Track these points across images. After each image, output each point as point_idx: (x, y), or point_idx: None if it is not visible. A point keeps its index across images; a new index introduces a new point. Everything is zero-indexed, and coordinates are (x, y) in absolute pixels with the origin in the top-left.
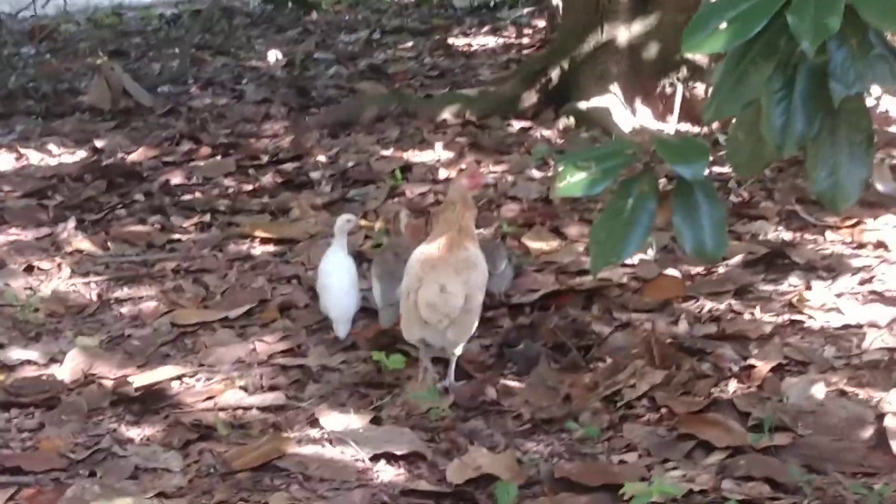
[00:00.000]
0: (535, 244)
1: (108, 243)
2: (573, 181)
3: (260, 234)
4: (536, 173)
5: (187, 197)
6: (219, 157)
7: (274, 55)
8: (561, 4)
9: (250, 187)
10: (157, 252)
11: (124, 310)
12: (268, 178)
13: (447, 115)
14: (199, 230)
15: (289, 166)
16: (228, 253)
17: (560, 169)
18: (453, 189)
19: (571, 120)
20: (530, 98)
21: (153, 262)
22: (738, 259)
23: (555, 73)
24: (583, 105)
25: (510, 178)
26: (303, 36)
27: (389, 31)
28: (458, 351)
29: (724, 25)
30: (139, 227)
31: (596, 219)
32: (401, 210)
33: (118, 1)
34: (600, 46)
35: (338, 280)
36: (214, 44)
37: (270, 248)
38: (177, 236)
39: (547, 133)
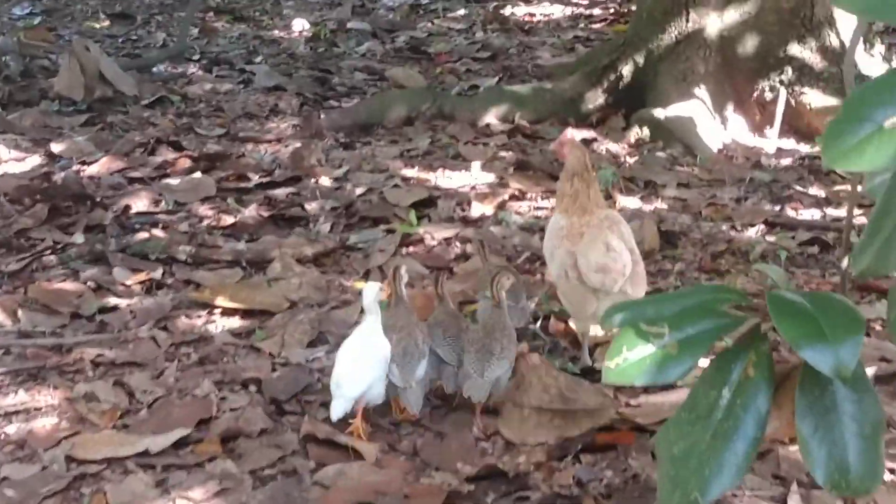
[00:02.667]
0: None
1: (20, 310)
2: (632, 360)
3: (223, 302)
4: None
5: (142, 235)
6: (198, 174)
7: (300, 24)
8: None
9: (228, 220)
10: (80, 328)
11: (11, 429)
12: (252, 210)
13: (492, 118)
14: (145, 292)
15: (282, 191)
16: (176, 331)
17: (614, 338)
18: (571, 161)
19: (645, 131)
20: (595, 99)
21: (69, 348)
22: None
23: (626, 70)
24: (660, 113)
25: None
26: None
27: None
28: None
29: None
30: (68, 285)
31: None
32: (401, 266)
33: None
34: (684, 38)
35: (353, 350)
36: (237, 5)
37: (235, 322)
38: (114, 301)
39: (614, 147)
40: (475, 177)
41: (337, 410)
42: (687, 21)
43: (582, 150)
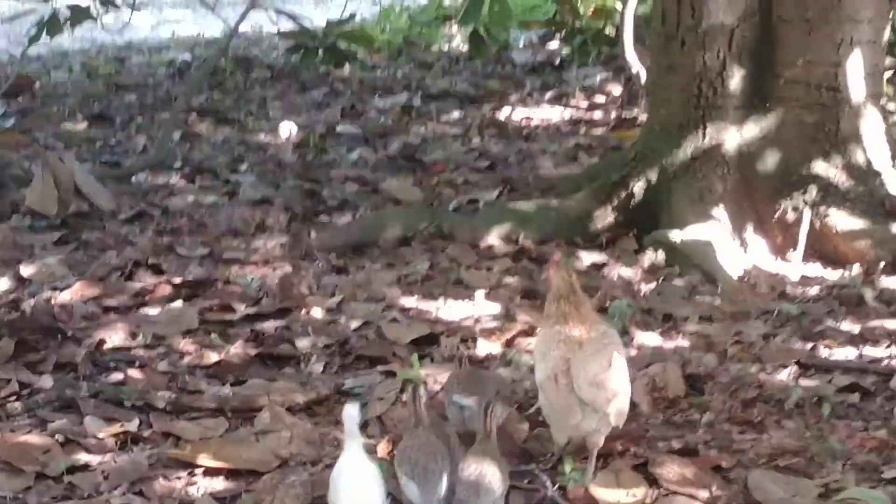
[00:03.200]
0: (608, 495)
1: None
2: None
3: (205, 460)
4: None
5: (117, 376)
6: (179, 303)
7: (287, 129)
8: (644, 75)
9: (212, 357)
10: (46, 491)
11: None
12: (238, 347)
13: (494, 238)
14: (119, 446)
15: (270, 324)
16: (154, 496)
17: None
18: (555, 283)
19: (660, 255)
20: (605, 218)
21: None
22: None
23: (638, 187)
24: (676, 235)
25: None
26: (329, 98)
27: (433, 96)
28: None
29: None
30: (34, 438)
31: None
32: (419, 386)
33: (128, 38)
34: (700, 154)
35: (354, 480)
36: (221, 106)
37: (219, 483)
38: (85, 458)
39: (627, 273)
40: (479, 307)
41: None
42: (703, 136)
43: (567, 272)
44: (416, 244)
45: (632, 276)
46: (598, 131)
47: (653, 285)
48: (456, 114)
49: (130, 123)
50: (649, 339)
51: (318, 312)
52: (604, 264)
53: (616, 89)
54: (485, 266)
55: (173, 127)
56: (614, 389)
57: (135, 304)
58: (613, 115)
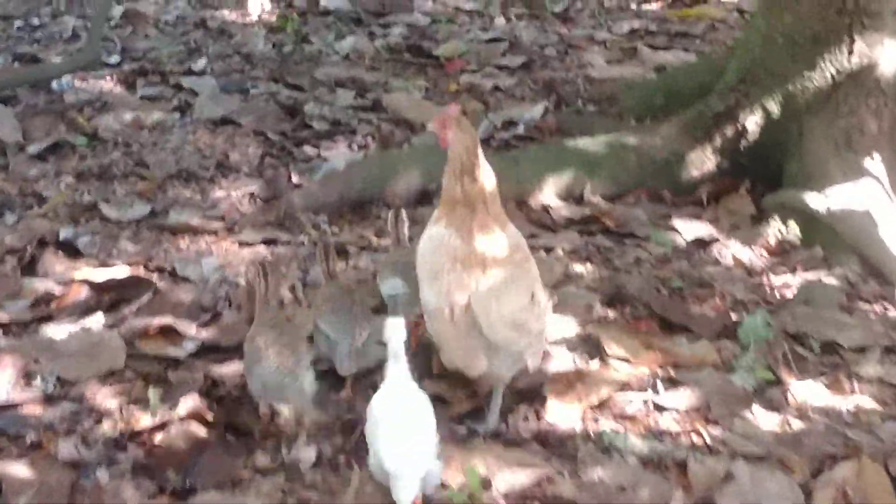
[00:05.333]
0: None
1: None
2: None
3: None
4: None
5: None
6: (100, 318)
7: (259, 3)
8: None
9: (144, 423)
10: None
11: None
12: (185, 406)
13: (550, 194)
14: None
15: (232, 369)
16: None
17: None
18: (456, 150)
19: (792, 228)
20: (703, 163)
21: None
22: None
23: (752, 122)
24: (815, 200)
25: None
26: None
27: None
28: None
29: None
30: None
31: None
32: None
33: None
34: (845, 79)
35: (401, 417)
36: None
37: None
38: None
39: (743, 253)
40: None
41: (404, 497)
42: (850, 53)
43: (471, 134)
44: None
45: (752, 260)
46: (653, 7)
47: (788, 278)
48: None
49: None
50: (809, 392)
51: None
52: (710, 240)
53: None
54: (541, 245)
55: (107, 12)
56: (537, 328)
57: (34, 319)
58: None
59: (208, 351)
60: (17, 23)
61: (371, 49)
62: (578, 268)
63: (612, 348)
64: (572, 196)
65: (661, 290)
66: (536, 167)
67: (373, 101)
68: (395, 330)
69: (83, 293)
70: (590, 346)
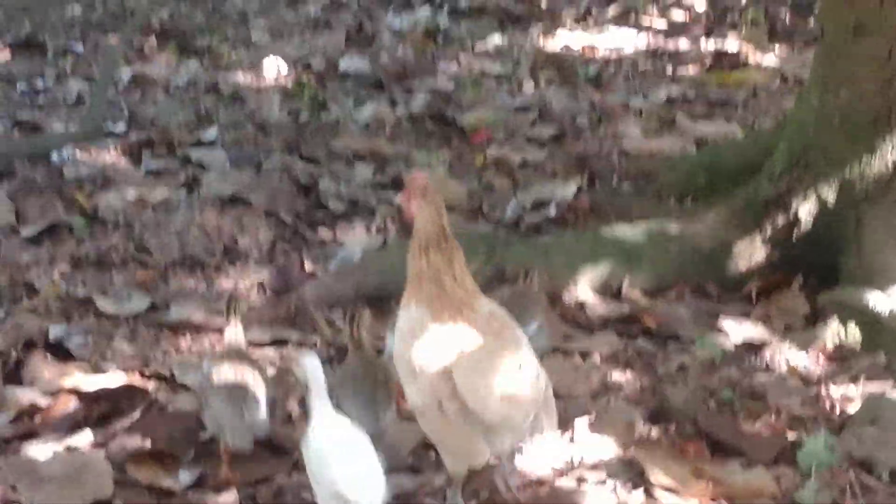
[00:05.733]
0: None
1: None
2: None
3: None
4: None
5: None
6: (86, 438)
7: (274, 66)
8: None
9: None
10: None
11: None
12: None
13: (585, 288)
14: None
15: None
16: None
17: None
18: (421, 223)
19: (853, 331)
20: (752, 255)
21: None
22: None
23: (805, 211)
24: (878, 301)
25: None
26: (328, 14)
27: (463, 13)
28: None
29: None
30: None
31: None
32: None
33: None
34: None
35: (348, 445)
36: (188, 26)
37: None
38: None
39: (796, 357)
40: (577, 446)
41: None
42: None
43: (436, 205)
44: None
45: (808, 367)
46: (690, 72)
47: (849, 389)
48: (496, 39)
49: (66, 56)
50: None
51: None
52: (761, 344)
53: (699, 2)
54: (575, 348)
55: (119, 61)
56: (531, 397)
57: (15, 436)
58: (703, 44)
59: (207, 481)
60: (21, 85)
61: (392, 117)
62: (617, 376)
63: (657, 477)
64: (609, 290)
65: (708, 404)
66: (570, 258)
67: (393, 177)
68: (311, 366)
69: (71, 405)
70: (632, 473)
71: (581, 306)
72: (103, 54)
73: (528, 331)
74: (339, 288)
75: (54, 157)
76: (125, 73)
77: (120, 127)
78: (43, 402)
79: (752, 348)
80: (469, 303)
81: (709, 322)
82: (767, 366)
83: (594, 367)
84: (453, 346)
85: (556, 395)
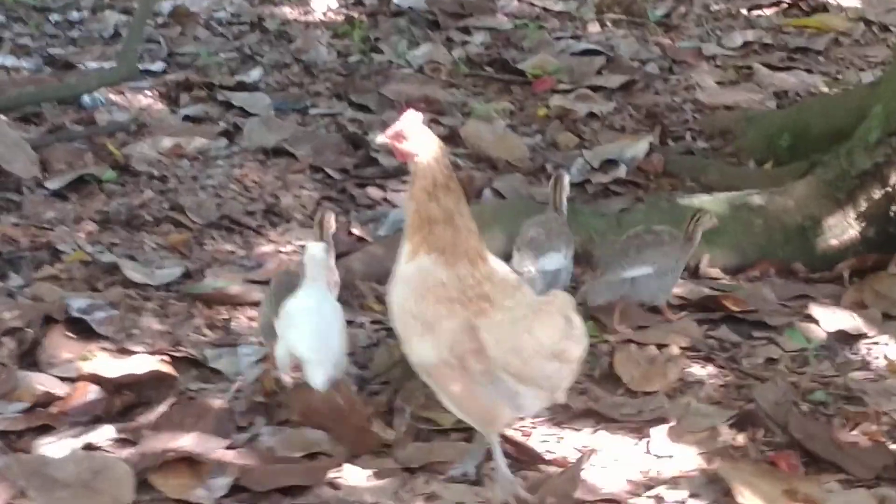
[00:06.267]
0: None
1: None
2: None
3: None
4: None
5: None
6: (108, 431)
7: (324, 0)
8: None
9: None
10: None
11: None
12: None
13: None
14: None
15: None
16: None
17: None
18: (426, 163)
19: None
20: (844, 232)
21: None
22: None
23: None
24: None
25: None
26: None
27: None
28: None
29: None
30: None
31: None
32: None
33: None
34: None
35: (317, 314)
36: None
37: None
38: None
39: None
40: (653, 457)
41: (318, 378)
42: None
43: (437, 142)
44: None
45: None
46: (766, 13)
47: None
48: None
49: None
50: None
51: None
52: (856, 335)
53: None
54: (651, 338)
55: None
56: (578, 353)
57: (28, 429)
58: None
59: (240, 491)
60: (54, 17)
61: (448, 60)
62: (697, 370)
63: (745, 497)
64: (686, 268)
65: (800, 406)
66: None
67: (450, 129)
68: (315, 255)
69: (91, 394)
70: (715, 491)
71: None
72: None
73: (556, 260)
74: (389, 260)
75: (86, 100)
76: (166, 5)
77: (158, 66)
78: (60, 389)
79: (847, 339)
80: (483, 253)
81: (797, 307)
82: (864, 360)
83: (671, 360)
84: (479, 300)
85: (630, 392)
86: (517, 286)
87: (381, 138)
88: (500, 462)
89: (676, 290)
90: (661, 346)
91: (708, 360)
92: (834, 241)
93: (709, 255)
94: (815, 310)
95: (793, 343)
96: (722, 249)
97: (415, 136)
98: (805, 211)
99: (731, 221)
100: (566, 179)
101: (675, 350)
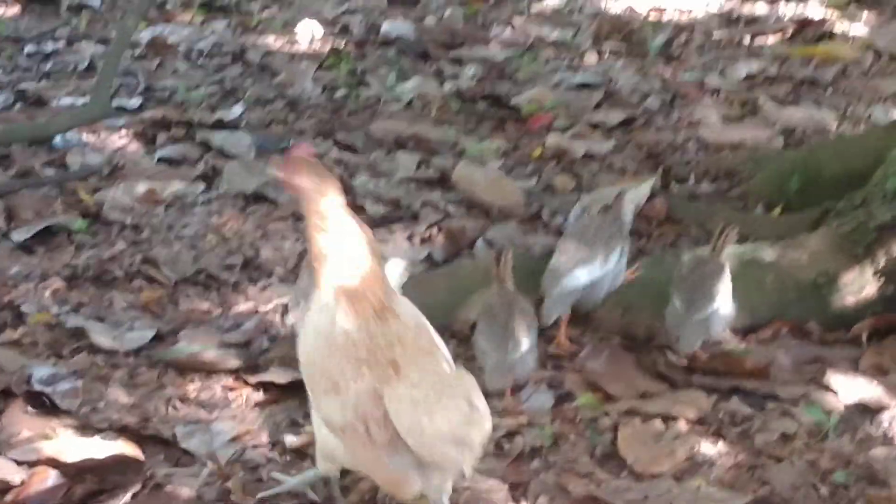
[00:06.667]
0: None
1: None
2: None
3: None
4: None
5: None
6: None
7: (309, 30)
8: None
9: None
10: None
11: None
12: None
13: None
14: None
15: None
16: None
17: None
18: (311, 194)
19: None
20: (860, 288)
21: None
22: None
23: None
24: None
25: None
26: None
27: None
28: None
29: None
30: None
31: None
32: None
33: None
34: None
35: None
36: None
37: None
38: None
39: None
40: None
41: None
42: None
43: (328, 177)
44: None
45: None
46: (770, 41)
47: None
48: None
49: (81, 13)
50: None
51: None
52: (877, 408)
53: None
54: (657, 409)
55: (137, 21)
56: (481, 438)
57: None
58: (782, 8)
59: None
60: (29, 47)
61: (439, 95)
62: (707, 448)
63: None
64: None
65: (819, 489)
66: (648, 290)
67: (440, 172)
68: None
69: (50, 480)
70: None
71: (661, 350)
72: (122, 12)
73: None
74: None
75: (57, 140)
76: (143, 36)
77: (134, 101)
78: (18, 475)
79: (867, 411)
80: (390, 302)
81: (812, 373)
82: (885, 435)
83: (679, 438)
84: (383, 363)
85: (634, 475)
86: (429, 351)
87: (272, 171)
88: None
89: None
90: (666, 419)
91: (718, 434)
92: (851, 300)
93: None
94: (832, 378)
95: (809, 416)
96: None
97: (306, 171)
98: (819, 266)
99: (740, 278)
100: (510, 255)
101: (682, 425)
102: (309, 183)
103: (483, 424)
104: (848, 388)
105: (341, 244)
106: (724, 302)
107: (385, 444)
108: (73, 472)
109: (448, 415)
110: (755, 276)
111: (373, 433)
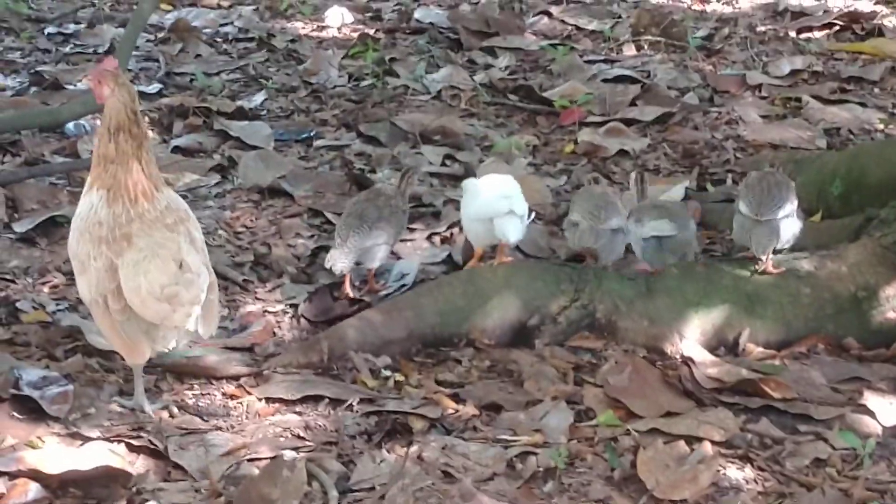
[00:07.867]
0: None
1: None
2: None
3: None
4: None
5: None
6: None
7: (338, 16)
8: None
9: None
10: None
11: None
12: None
13: (693, 341)
14: None
15: None
16: None
17: None
18: (113, 106)
19: None
20: None
21: None
22: None
23: None
24: None
25: None
26: None
27: None
28: None
29: None
30: None
31: None
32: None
33: None
34: None
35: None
36: None
37: None
38: None
39: None
40: None
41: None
42: None
43: (129, 90)
44: (542, 342)
45: None
46: (816, 36)
47: None
48: None
49: None
50: None
51: None
52: None
53: None
54: (681, 430)
55: (153, 5)
56: (190, 297)
57: None
58: (831, 0)
59: None
60: (49, 29)
61: (469, 86)
62: (733, 473)
63: None
64: (724, 343)
65: None
66: (676, 300)
67: (465, 168)
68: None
69: (30, 493)
70: None
71: (688, 365)
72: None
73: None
74: (387, 329)
75: (70, 127)
76: (167, 18)
77: (153, 87)
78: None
79: None
80: (149, 192)
81: (849, 393)
82: None
83: (704, 462)
84: (122, 240)
85: (655, 501)
86: (172, 225)
87: (84, 79)
88: (139, 390)
89: (712, 371)
90: (690, 441)
91: (745, 458)
92: (891, 315)
93: (749, 329)
94: (870, 398)
95: (844, 441)
96: (764, 322)
97: (110, 81)
98: (859, 279)
99: (774, 290)
100: (414, 178)
101: (707, 449)
102: (108, 91)
103: (192, 283)
104: (887, 410)
105: (129, 152)
106: (790, 212)
107: (119, 312)
108: (56, 485)
109: (158, 274)
110: (791, 288)
111: (110, 305)
